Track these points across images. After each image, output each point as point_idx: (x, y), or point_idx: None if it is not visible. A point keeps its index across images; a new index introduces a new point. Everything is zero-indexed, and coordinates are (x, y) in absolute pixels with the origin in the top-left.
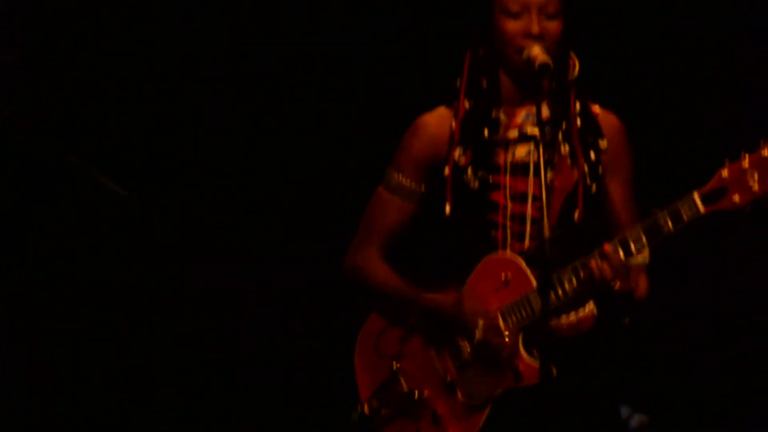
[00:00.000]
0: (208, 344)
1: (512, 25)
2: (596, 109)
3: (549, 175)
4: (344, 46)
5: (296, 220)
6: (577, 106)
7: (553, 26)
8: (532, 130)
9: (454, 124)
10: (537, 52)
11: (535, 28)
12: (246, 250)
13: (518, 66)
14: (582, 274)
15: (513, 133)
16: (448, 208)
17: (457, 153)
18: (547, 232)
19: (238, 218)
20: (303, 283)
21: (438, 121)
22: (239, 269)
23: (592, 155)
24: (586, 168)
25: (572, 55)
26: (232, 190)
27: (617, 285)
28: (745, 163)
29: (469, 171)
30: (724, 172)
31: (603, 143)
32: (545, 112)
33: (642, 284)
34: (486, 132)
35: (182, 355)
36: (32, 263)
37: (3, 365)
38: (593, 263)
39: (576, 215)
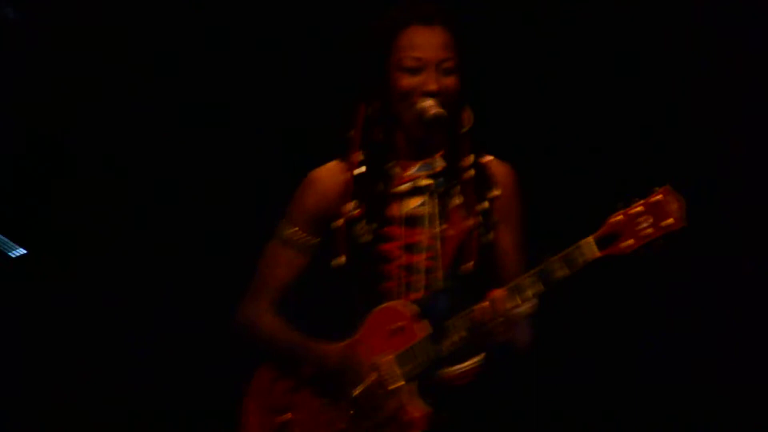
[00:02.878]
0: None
1: (409, 81)
2: (489, 159)
3: (442, 225)
4: (238, 97)
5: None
6: (471, 157)
7: (450, 81)
8: (426, 182)
9: (347, 177)
10: (430, 103)
11: (433, 86)
12: None
13: (413, 120)
14: (474, 320)
15: (406, 186)
16: (342, 260)
17: (351, 206)
18: (440, 282)
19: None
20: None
21: (330, 174)
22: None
23: (485, 206)
24: (478, 219)
25: (467, 108)
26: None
27: (506, 332)
28: (637, 208)
29: (363, 223)
30: (617, 217)
31: (494, 193)
32: (439, 164)
33: (526, 333)
34: (380, 185)
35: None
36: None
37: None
38: (484, 309)
39: (469, 265)
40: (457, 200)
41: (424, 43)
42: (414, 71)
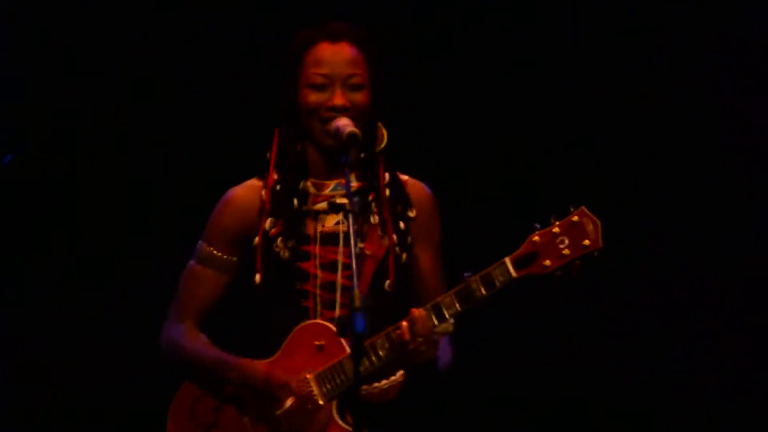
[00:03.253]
0: None
1: (316, 98)
2: (405, 178)
3: (359, 244)
4: (157, 117)
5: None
6: (386, 176)
7: (359, 98)
8: (341, 201)
9: (264, 195)
10: (344, 122)
11: (339, 100)
12: None
13: (324, 138)
14: (394, 340)
15: (322, 204)
16: (258, 278)
17: (268, 224)
18: (357, 301)
19: None
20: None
21: (247, 193)
22: None
23: (401, 225)
24: (395, 238)
25: (380, 126)
26: None
27: (426, 351)
28: (556, 229)
29: (279, 241)
30: (535, 238)
31: (411, 213)
32: (354, 182)
33: (447, 352)
34: (295, 203)
35: None
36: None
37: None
38: (404, 329)
39: (387, 284)
40: (373, 220)
41: (331, 59)
42: (320, 87)
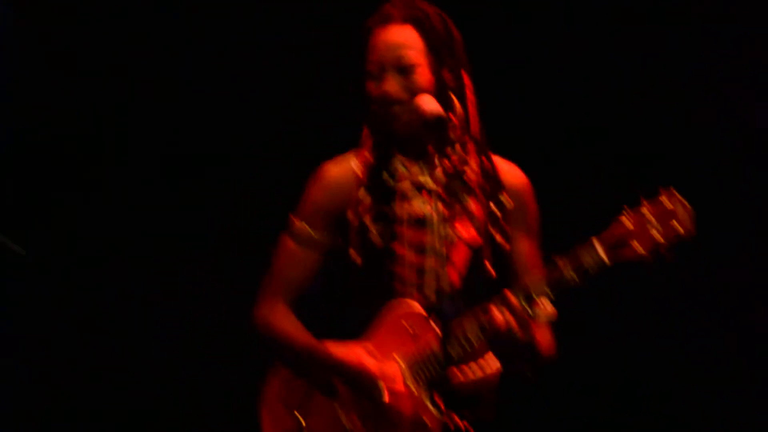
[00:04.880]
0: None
1: (373, 87)
2: (499, 162)
3: (450, 229)
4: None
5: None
6: (479, 158)
7: (413, 79)
8: (427, 182)
9: (356, 171)
10: (427, 101)
11: (387, 87)
12: None
13: (394, 126)
14: (484, 323)
15: (412, 186)
16: (351, 253)
17: (361, 194)
18: (446, 286)
19: None
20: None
21: (340, 169)
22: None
23: (495, 210)
24: (489, 223)
25: (453, 98)
26: None
27: (519, 335)
28: (645, 211)
29: (370, 219)
30: (625, 220)
31: (506, 199)
32: (446, 164)
33: (547, 340)
34: (387, 181)
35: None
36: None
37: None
38: (494, 310)
39: (481, 270)
40: (465, 203)
41: (380, 45)
42: (375, 77)
